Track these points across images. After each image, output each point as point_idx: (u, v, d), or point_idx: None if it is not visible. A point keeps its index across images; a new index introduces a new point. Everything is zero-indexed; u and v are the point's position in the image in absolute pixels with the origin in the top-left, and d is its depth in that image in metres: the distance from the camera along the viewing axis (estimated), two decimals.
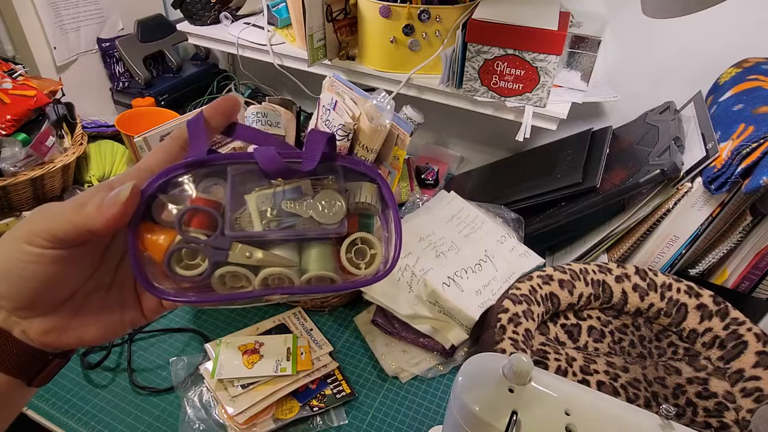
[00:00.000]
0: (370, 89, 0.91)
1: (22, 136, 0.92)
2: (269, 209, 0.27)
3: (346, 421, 0.67)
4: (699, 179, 0.74)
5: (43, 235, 0.25)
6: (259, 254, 0.27)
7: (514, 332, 0.66)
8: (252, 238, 0.27)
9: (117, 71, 1.26)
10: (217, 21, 1.16)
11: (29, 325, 0.27)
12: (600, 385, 0.64)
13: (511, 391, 0.41)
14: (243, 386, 0.66)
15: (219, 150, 0.79)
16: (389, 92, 0.91)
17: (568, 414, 0.40)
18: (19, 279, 0.26)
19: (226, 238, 0.26)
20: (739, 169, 0.68)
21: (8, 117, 0.90)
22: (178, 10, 1.17)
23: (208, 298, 0.27)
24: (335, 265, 0.28)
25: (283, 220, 0.27)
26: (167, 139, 0.29)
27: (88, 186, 1.08)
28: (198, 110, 0.28)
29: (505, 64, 0.85)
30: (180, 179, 0.27)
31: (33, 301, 0.27)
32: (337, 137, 0.69)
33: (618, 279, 0.75)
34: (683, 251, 0.78)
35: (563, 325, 0.74)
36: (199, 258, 0.27)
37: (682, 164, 0.76)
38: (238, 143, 0.80)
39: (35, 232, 0.25)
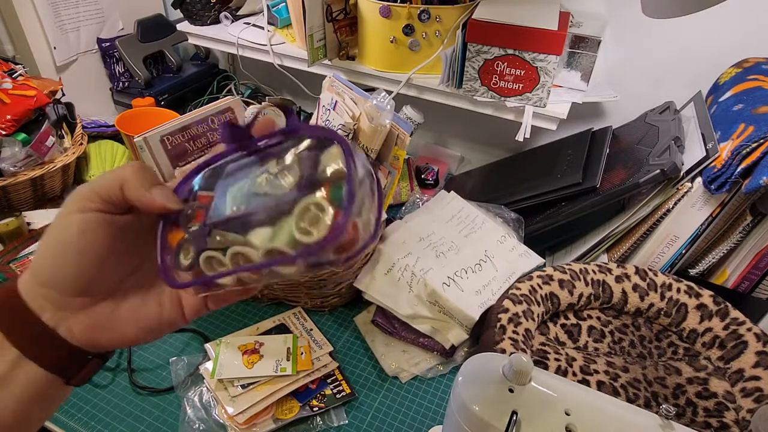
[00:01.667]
0: (370, 89, 0.91)
1: (22, 136, 0.92)
2: (239, 191, 0.29)
3: (346, 421, 0.67)
4: (699, 179, 0.74)
5: (85, 196, 0.27)
6: (227, 236, 0.28)
7: (514, 332, 0.66)
8: (222, 222, 0.29)
9: (117, 71, 1.26)
10: (217, 21, 1.16)
11: (75, 320, 0.28)
12: (600, 385, 0.64)
13: (511, 391, 0.41)
14: (243, 386, 0.66)
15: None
16: (389, 92, 0.91)
17: (568, 414, 0.40)
18: (78, 255, 0.27)
19: (206, 227, 0.29)
20: (739, 169, 0.68)
21: (8, 117, 0.90)
22: (178, 10, 1.17)
23: (203, 280, 0.29)
24: (292, 237, 0.27)
25: (249, 197, 0.28)
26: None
27: None
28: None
29: (505, 64, 0.85)
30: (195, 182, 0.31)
31: (86, 283, 0.28)
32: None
33: (618, 279, 0.75)
34: (683, 251, 0.78)
35: (563, 325, 0.74)
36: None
37: (682, 164, 0.76)
38: None
39: (76, 197, 0.27)
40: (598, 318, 0.75)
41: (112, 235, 0.28)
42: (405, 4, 0.87)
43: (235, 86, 1.31)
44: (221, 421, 0.64)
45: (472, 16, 0.83)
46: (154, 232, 0.30)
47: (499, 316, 0.68)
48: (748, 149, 0.68)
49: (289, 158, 0.28)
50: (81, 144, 1.03)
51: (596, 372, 0.65)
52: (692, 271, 0.81)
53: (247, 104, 0.87)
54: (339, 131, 0.74)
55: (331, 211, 0.26)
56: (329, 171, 0.27)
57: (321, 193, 0.26)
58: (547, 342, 0.69)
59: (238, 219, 0.28)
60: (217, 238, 0.28)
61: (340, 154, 0.27)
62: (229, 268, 0.28)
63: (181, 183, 0.31)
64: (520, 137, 0.88)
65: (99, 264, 0.28)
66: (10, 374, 0.27)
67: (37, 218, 0.95)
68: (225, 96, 1.25)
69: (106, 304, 0.29)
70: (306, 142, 0.28)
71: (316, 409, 0.66)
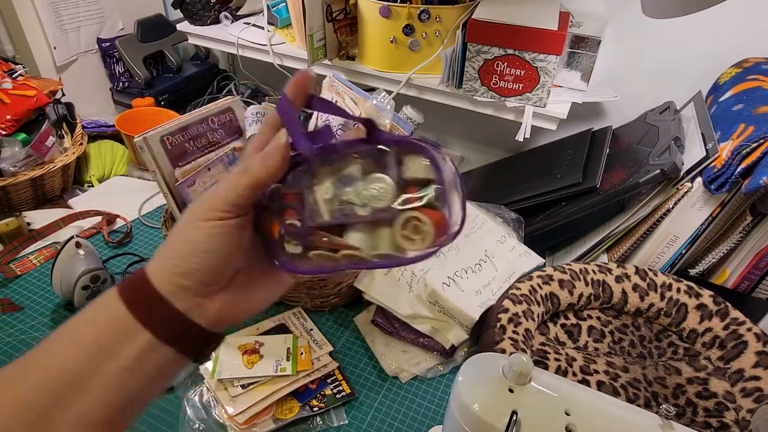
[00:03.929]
0: (370, 89, 0.91)
1: (22, 136, 0.92)
2: (332, 198, 0.32)
3: (346, 421, 0.67)
4: (699, 179, 0.74)
5: (221, 207, 0.30)
6: (334, 240, 0.32)
7: (514, 332, 0.66)
8: (325, 226, 0.32)
9: (117, 71, 1.26)
10: (217, 21, 1.16)
11: (209, 306, 0.32)
12: (600, 385, 0.64)
13: (511, 391, 0.41)
14: (243, 386, 0.66)
15: (219, 144, 0.79)
16: (389, 92, 0.91)
17: (568, 414, 0.40)
18: (207, 254, 0.30)
19: (305, 227, 0.32)
20: (739, 169, 0.68)
21: (8, 117, 0.90)
22: (178, 10, 1.17)
23: (315, 270, 0.33)
24: (392, 241, 0.31)
25: (344, 207, 0.31)
26: (263, 126, 0.33)
27: (89, 186, 1.08)
28: (281, 95, 0.32)
29: (505, 64, 0.85)
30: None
31: (217, 275, 0.31)
32: (338, 138, 0.69)
33: (618, 279, 0.75)
34: (683, 251, 0.78)
35: (563, 325, 0.74)
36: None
37: (682, 164, 0.76)
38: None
39: (213, 207, 0.30)
40: (598, 318, 0.75)
41: (234, 231, 0.31)
42: (405, 4, 0.87)
43: (235, 86, 1.31)
44: (221, 421, 0.64)
45: (472, 16, 0.83)
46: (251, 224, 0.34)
47: (499, 316, 0.68)
48: (748, 149, 0.68)
49: (379, 168, 0.31)
50: (81, 144, 1.03)
51: (596, 372, 0.65)
52: (692, 271, 0.81)
53: (247, 104, 0.87)
54: (339, 131, 0.74)
55: (430, 222, 0.30)
56: (421, 180, 0.30)
57: (417, 204, 0.30)
58: (547, 342, 0.69)
59: (341, 225, 0.32)
60: (324, 239, 0.32)
61: (429, 163, 0.30)
62: (345, 264, 0.32)
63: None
64: (520, 137, 0.88)
65: (225, 259, 0.31)
66: (145, 357, 0.30)
67: (37, 218, 0.95)
68: (225, 96, 1.25)
69: (230, 289, 0.33)
70: (392, 151, 0.31)
71: (316, 409, 0.66)
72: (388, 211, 0.30)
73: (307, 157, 0.32)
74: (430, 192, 0.30)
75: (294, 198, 0.32)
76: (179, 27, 1.18)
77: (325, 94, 0.84)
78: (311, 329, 0.76)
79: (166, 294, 0.30)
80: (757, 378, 0.63)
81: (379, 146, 0.31)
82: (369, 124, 0.31)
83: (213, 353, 0.35)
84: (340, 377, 0.71)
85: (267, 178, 0.30)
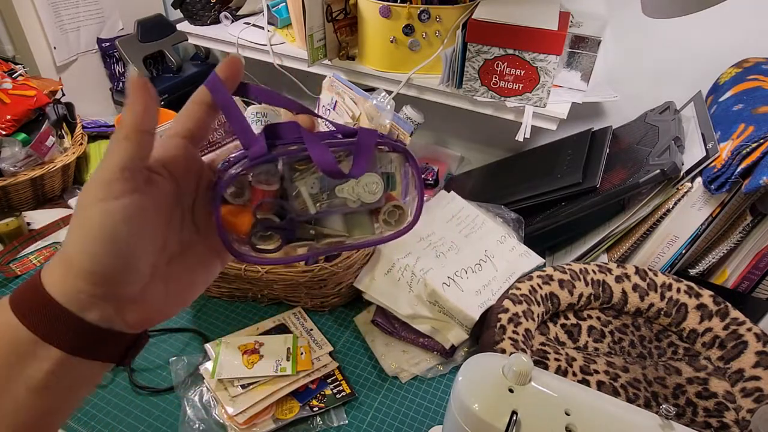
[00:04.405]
0: (370, 89, 0.91)
1: (22, 136, 0.92)
2: (319, 192, 0.32)
3: (346, 421, 0.67)
4: (699, 179, 0.74)
5: (114, 175, 0.25)
6: (324, 231, 0.33)
7: (514, 332, 0.66)
8: (310, 219, 0.33)
9: (117, 71, 1.26)
10: (217, 21, 1.16)
11: (128, 307, 0.27)
12: (600, 385, 0.64)
13: (511, 391, 0.41)
14: (243, 386, 0.66)
15: (219, 145, 0.79)
16: (389, 92, 0.91)
17: (568, 414, 0.40)
18: (111, 245, 0.25)
19: (294, 221, 0.32)
20: (739, 169, 0.68)
21: (8, 117, 0.90)
22: (178, 10, 1.17)
23: (281, 260, 0.33)
24: (371, 225, 0.35)
25: (333, 200, 0.33)
26: (189, 103, 0.30)
27: None
28: (212, 74, 0.30)
29: (505, 64, 0.85)
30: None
31: (131, 270, 0.26)
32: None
33: (618, 279, 0.75)
34: (683, 251, 0.78)
35: (563, 325, 0.74)
36: (272, 234, 0.32)
37: (682, 164, 0.76)
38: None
39: (104, 181, 0.25)
40: (598, 318, 0.75)
41: (141, 208, 0.26)
42: (405, 4, 0.87)
43: None
44: (221, 421, 0.64)
45: (472, 16, 0.83)
46: (194, 204, 0.31)
47: (499, 316, 0.68)
48: (748, 149, 0.68)
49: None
50: (81, 144, 1.03)
51: (596, 372, 0.65)
52: (692, 271, 0.81)
53: (247, 104, 0.87)
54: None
55: (407, 208, 0.34)
56: (396, 170, 0.34)
57: (396, 193, 0.35)
58: (547, 342, 0.69)
59: (325, 216, 0.33)
60: (311, 232, 0.33)
61: (402, 158, 0.34)
62: (322, 250, 0.34)
63: (231, 177, 0.30)
64: (520, 137, 0.88)
65: (138, 248, 0.26)
66: (58, 372, 0.26)
67: (37, 218, 0.95)
68: None
69: (154, 285, 0.28)
70: (377, 148, 0.33)
71: (316, 409, 0.66)
72: (379, 203, 0.34)
73: (279, 150, 0.31)
74: (396, 180, 0.35)
75: (270, 193, 0.31)
76: (179, 27, 1.18)
77: (325, 94, 0.84)
78: (311, 329, 0.76)
79: (69, 305, 0.25)
80: (757, 378, 0.63)
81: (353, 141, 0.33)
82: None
83: (139, 352, 0.31)
84: (340, 377, 0.71)
85: (141, 121, 0.26)
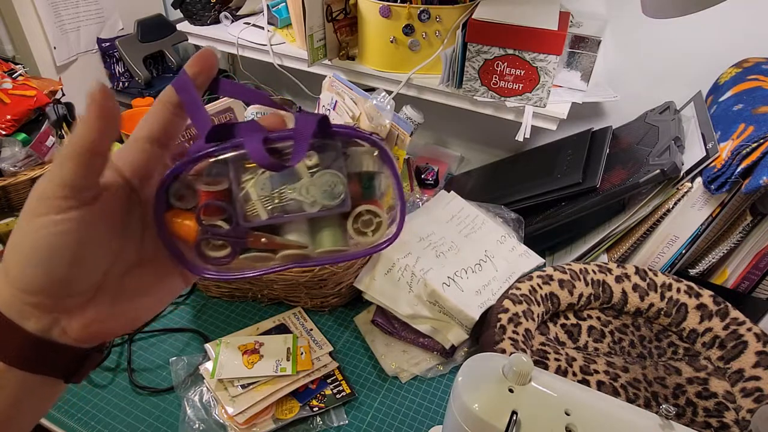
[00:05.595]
0: (370, 89, 0.91)
1: (22, 136, 0.92)
2: (270, 195, 0.28)
3: (346, 421, 0.67)
4: (699, 179, 0.74)
5: (56, 193, 0.24)
6: (275, 239, 0.29)
7: (514, 332, 0.66)
8: (261, 226, 0.29)
9: (117, 71, 1.26)
10: (217, 21, 1.16)
11: (69, 321, 0.26)
12: (600, 385, 0.64)
13: (511, 391, 0.41)
14: (243, 386, 0.66)
15: None
16: (389, 92, 0.91)
17: (568, 414, 0.40)
18: (49, 260, 0.24)
19: (240, 228, 0.28)
20: (739, 169, 0.68)
21: (8, 117, 0.90)
22: (178, 10, 1.17)
23: (237, 275, 0.30)
24: (344, 236, 0.29)
25: (287, 204, 0.28)
26: (155, 103, 0.28)
27: None
28: (181, 72, 0.28)
29: (505, 64, 0.85)
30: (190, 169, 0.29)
31: (73, 283, 0.25)
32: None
33: (618, 279, 0.75)
34: (683, 251, 0.78)
35: (563, 325, 0.74)
36: (222, 242, 0.29)
37: (682, 164, 0.76)
38: None
39: (44, 196, 0.24)
40: (598, 318, 0.75)
41: (82, 224, 0.25)
42: (405, 4, 0.87)
43: None
44: (221, 421, 0.64)
45: (472, 16, 0.83)
46: (136, 213, 0.28)
47: (499, 316, 0.68)
48: (748, 149, 0.68)
49: (322, 160, 0.28)
50: None
51: (596, 372, 0.65)
52: (692, 271, 0.81)
53: (247, 104, 0.87)
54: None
55: (384, 214, 0.29)
56: (367, 173, 0.29)
57: (375, 191, 0.29)
58: (547, 342, 0.69)
59: (278, 224, 0.29)
60: (263, 240, 0.29)
61: (377, 154, 0.29)
62: (281, 264, 0.29)
63: (173, 170, 0.28)
64: (520, 137, 0.88)
65: (80, 262, 0.25)
66: None
67: None
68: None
69: (103, 298, 0.27)
70: (337, 143, 0.29)
71: (316, 409, 0.66)
72: (342, 206, 0.29)
73: (225, 148, 0.28)
74: (375, 184, 0.29)
75: (216, 195, 0.28)
76: (179, 27, 1.18)
77: (325, 94, 0.84)
78: (311, 329, 0.76)
79: (8, 312, 0.25)
80: (757, 378, 0.63)
81: (323, 138, 0.29)
82: (322, 120, 0.28)
83: (92, 370, 0.29)
84: (340, 377, 0.71)
85: (92, 141, 0.24)
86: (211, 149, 0.27)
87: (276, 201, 0.28)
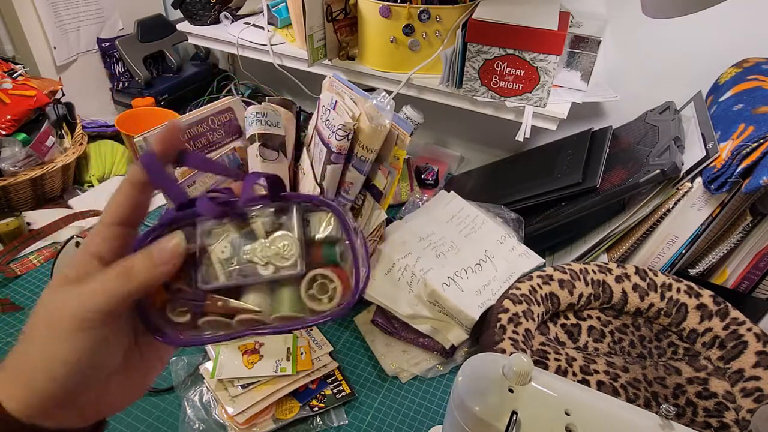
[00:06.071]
0: (370, 89, 0.91)
1: (22, 136, 0.92)
2: (230, 258, 0.29)
3: (346, 421, 0.67)
4: (699, 179, 0.74)
5: (92, 316, 0.25)
6: (230, 303, 0.29)
7: (514, 332, 0.66)
8: (220, 289, 0.29)
9: (117, 71, 1.26)
10: (217, 21, 1.16)
11: (84, 408, 0.28)
12: (600, 385, 0.64)
13: (511, 391, 0.41)
14: (243, 386, 0.66)
15: (219, 144, 0.79)
16: (389, 92, 0.91)
17: (568, 414, 0.40)
18: (73, 369, 0.26)
19: (199, 291, 0.29)
20: (739, 169, 0.68)
21: (8, 117, 0.90)
22: (178, 10, 1.17)
23: (204, 339, 0.30)
24: (301, 302, 0.29)
25: (244, 267, 0.29)
26: (123, 183, 0.29)
27: (89, 186, 1.08)
28: (147, 151, 0.28)
29: (505, 64, 0.85)
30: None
31: (89, 384, 0.27)
32: (337, 137, 0.69)
33: (618, 279, 0.75)
34: (683, 251, 0.78)
35: (563, 325, 0.74)
36: (186, 308, 0.29)
37: (682, 164, 0.76)
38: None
39: (77, 317, 0.25)
40: (598, 318, 0.75)
41: (109, 339, 0.27)
42: (405, 4, 0.87)
43: (235, 86, 1.31)
44: (221, 421, 0.64)
45: (472, 16, 0.83)
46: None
47: (499, 316, 0.68)
48: (748, 149, 0.68)
49: (278, 224, 0.29)
50: (81, 144, 1.03)
51: (596, 372, 0.65)
52: (692, 271, 0.81)
53: (247, 104, 0.87)
54: (339, 131, 0.74)
55: (338, 281, 0.29)
56: (327, 238, 0.29)
57: (335, 256, 0.29)
58: (547, 342, 0.69)
59: (235, 287, 0.29)
60: (219, 303, 0.29)
61: (333, 219, 0.29)
62: (241, 330, 0.29)
63: (145, 235, 0.29)
64: (520, 137, 0.88)
65: (98, 366, 0.27)
66: None
67: (37, 218, 0.95)
68: (225, 96, 1.25)
69: (108, 385, 0.29)
70: (293, 208, 0.29)
71: (316, 409, 0.66)
72: (293, 269, 0.29)
73: (195, 215, 0.29)
74: (336, 250, 0.29)
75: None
76: (179, 27, 1.18)
77: (325, 93, 0.84)
78: (311, 329, 0.76)
79: (30, 419, 0.26)
80: (757, 378, 0.63)
81: (281, 204, 0.29)
82: (272, 180, 0.29)
83: None
84: (340, 377, 0.71)
85: (155, 283, 0.27)
86: (171, 217, 0.29)
87: (234, 264, 0.29)
